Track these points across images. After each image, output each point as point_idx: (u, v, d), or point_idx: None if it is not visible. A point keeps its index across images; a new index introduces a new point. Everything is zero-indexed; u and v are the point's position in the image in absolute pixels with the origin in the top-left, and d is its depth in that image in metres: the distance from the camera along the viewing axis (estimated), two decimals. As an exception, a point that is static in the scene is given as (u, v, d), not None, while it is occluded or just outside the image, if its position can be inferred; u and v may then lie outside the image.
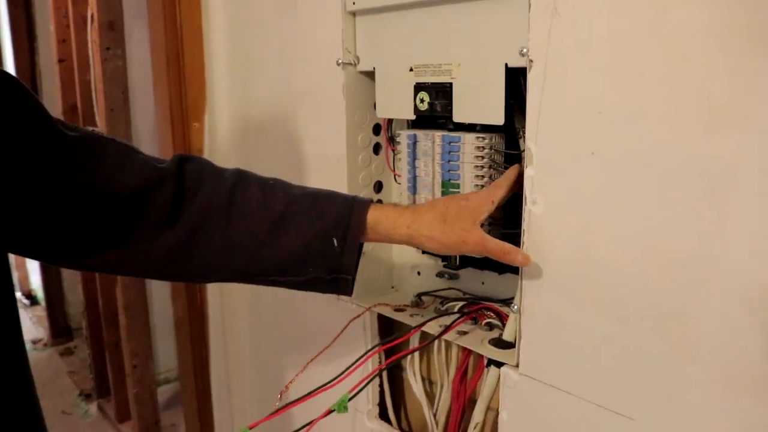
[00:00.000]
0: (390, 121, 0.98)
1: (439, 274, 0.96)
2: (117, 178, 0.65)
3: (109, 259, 0.69)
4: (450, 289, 0.95)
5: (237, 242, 0.69)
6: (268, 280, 0.73)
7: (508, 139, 0.83)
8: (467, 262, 0.90)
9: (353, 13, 0.93)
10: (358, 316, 0.97)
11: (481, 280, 0.91)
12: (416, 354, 0.97)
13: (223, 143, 1.29)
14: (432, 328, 0.88)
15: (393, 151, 0.98)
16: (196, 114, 1.26)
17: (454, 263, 0.91)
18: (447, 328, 0.84)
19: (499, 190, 0.75)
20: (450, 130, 0.86)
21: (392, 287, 1.05)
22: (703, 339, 0.60)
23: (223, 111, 1.27)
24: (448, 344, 0.91)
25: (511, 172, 0.77)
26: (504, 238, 0.75)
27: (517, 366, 0.77)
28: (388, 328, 1.01)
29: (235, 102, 1.24)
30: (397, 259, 1.04)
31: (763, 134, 0.54)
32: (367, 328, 0.98)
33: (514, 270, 0.85)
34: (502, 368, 0.79)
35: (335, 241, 0.69)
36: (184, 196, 0.69)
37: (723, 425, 0.59)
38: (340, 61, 0.94)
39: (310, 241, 0.69)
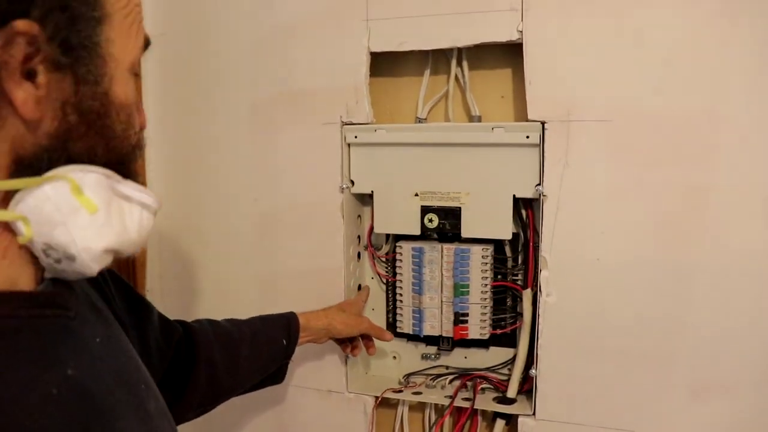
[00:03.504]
0: (370, 232, 1.15)
1: (425, 356, 1.16)
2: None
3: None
4: (435, 366, 1.16)
5: (235, 365, 0.90)
6: (251, 384, 0.96)
7: (497, 249, 1.09)
8: (457, 342, 1.12)
9: (349, 144, 1.08)
10: (377, 403, 1.10)
11: (464, 355, 1.15)
12: (406, 425, 1.15)
13: (170, 259, 1.24)
14: (432, 398, 1.09)
15: (377, 258, 1.15)
16: None
17: (448, 345, 1.13)
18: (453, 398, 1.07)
19: (363, 294, 1.15)
20: (446, 242, 1.09)
21: (366, 373, 1.20)
22: (678, 367, 0.97)
23: (170, 224, 1.23)
24: (438, 410, 1.13)
25: (364, 292, 1.16)
26: (494, 321, 1.08)
27: (533, 414, 1.04)
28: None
29: (186, 216, 1.22)
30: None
31: (710, 249, 0.93)
32: (370, 416, 1.12)
33: (502, 344, 1.12)
34: (520, 418, 1.05)
35: (284, 341, 0.96)
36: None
37: (695, 421, 0.97)
38: (342, 186, 1.07)
39: (272, 348, 0.95)
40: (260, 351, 0.93)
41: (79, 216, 0.45)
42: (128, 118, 0.51)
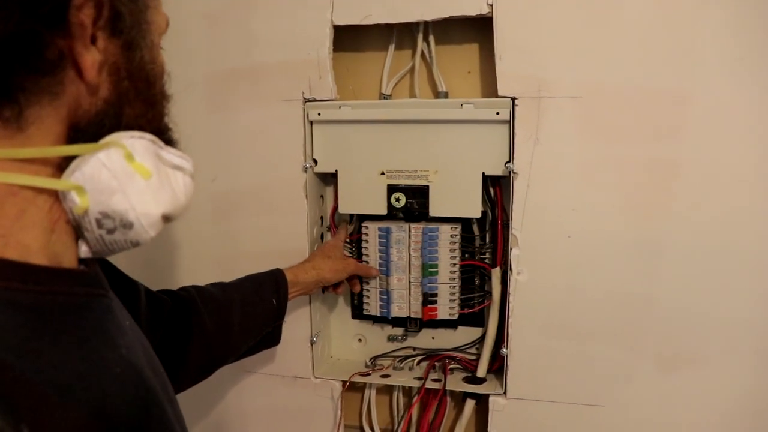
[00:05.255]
0: (333, 213, 1.11)
1: (391, 338, 1.14)
2: None
3: None
4: (402, 348, 1.14)
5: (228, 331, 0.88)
6: (245, 347, 0.93)
7: (464, 227, 1.08)
8: (424, 323, 1.10)
9: (311, 122, 1.04)
10: (345, 388, 1.08)
11: (431, 335, 1.13)
12: (374, 408, 1.13)
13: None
14: (401, 381, 1.08)
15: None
16: None
17: (415, 326, 1.11)
18: (424, 377, 1.05)
19: (341, 233, 1.10)
20: (413, 221, 1.06)
21: (331, 357, 1.17)
22: (646, 341, 0.98)
23: None
24: (406, 392, 1.11)
25: (343, 231, 1.11)
26: (463, 301, 1.07)
27: (504, 393, 1.03)
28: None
29: None
30: (336, 329, 1.17)
31: (679, 224, 0.94)
32: (338, 401, 1.09)
33: (470, 323, 1.11)
34: (491, 398, 1.04)
35: (275, 301, 0.94)
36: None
37: (663, 393, 0.99)
38: (305, 165, 1.03)
39: (263, 309, 0.93)
40: (251, 314, 0.91)
41: (135, 182, 0.45)
42: (165, 87, 0.53)
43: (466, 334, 1.12)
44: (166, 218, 0.49)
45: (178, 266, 1.13)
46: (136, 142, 0.47)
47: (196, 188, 1.07)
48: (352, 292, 1.12)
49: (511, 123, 0.97)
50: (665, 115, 0.92)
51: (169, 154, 0.50)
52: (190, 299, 0.82)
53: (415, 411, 1.11)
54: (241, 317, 0.88)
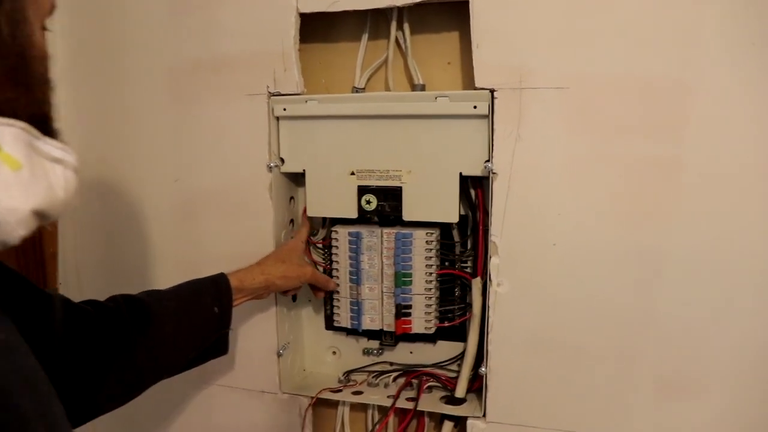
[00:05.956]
0: (304, 216, 1.03)
1: (366, 351, 1.05)
2: None
3: None
4: (378, 363, 1.05)
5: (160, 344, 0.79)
6: (184, 361, 0.84)
7: (444, 233, 0.98)
8: (400, 337, 1.02)
9: (277, 118, 0.96)
10: (309, 405, 1.00)
11: (410, 350, 1.04)
12: (347, 426, 1.05)
13: (86, 248, 1.11)
14: (374, 399, 0.99)
15: (313, 244, 1.03)
16: None
17: (390, 340, 1.02)
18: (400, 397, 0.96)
19: (303, 233, 1.01)
20: (388, 226, 0.97)
21: (304, 370, 1.09)
22: (642, 364, 0.87)
23: (85, 209, 1.10)
24: (383, 410, 1.02)
25: (303, 218, 1.03)
26: (442, 313, 0.98)
27: (483, 416, 0.94)
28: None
29: (102, 200, 1.09)
30: (309, 341, 1.09)
31: (680, 231, 0.83)
32: (307, 419, 1.01)
33: (451, 338, 1.02)
34: (469, 420, 0.94)
35: (216, 309, 0.85)
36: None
37: (661, 424, 0.88)
38: (270, 165, 0.96)
39: (202, 319, 0.84)
40: (188, 324, 0.83)
41: (0, 173, 0.40)
42: (46, 71, 0.48)
43: (446, 350, 1.03)
44: (40, 215, 0.43)
45: (140, 270, 1.06)
46: (5, 130, 0.41)
47: (159, 190, 1.02)
48: (324, 299, 1.04)
49: (490, 118, 0.87)
50: (663, 107, 0.81)
51: (47, 145, 0.44)
52: (116, 309, 0.75)
53: (391, 429, 1.03)
54: (176, 328, 0.80)
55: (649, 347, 0.86)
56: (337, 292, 1.00)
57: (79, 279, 1.11)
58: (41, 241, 1.05)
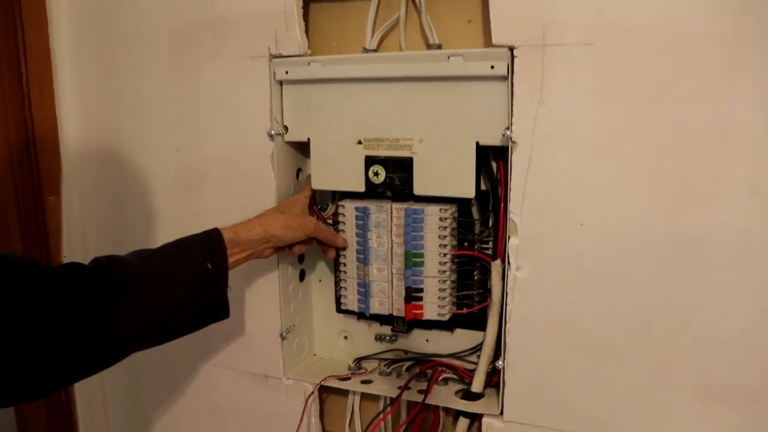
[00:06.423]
0: (314, 190, 0.96)
1: (379, 337, 0.97)
2: None
3: None
4: (391, 350, 0.97)
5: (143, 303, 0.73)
6: (175, 325, 0.76)
7: (461, 207, 0.89)
8: (414, 323, 0.93)
9: (281, 82, 0.89)
10: (312, 393, 0.93)
11: (425, 338, 0.96)
12: (357, 416, 0.98)
13: (91, 220, 1.08)
14: (383, 389, 0.91)
15: (322, 220, 0.95)
16: (52, 186, 1.03)
17: (402, 326, 0.93)
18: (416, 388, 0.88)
19: (306, 189, 0.93)
20: (401, 201, 0.89)
21: (314, 355, 1.03)
22: (681, 366, 0.75)
23: (89, 181, 1.07)
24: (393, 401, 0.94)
25: (306, 180, 0.95)
26: (459, 299, 0.89)
27: (500, 414, 0.84)
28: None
29: (105, 171, 1.05)
30: (319, 324, 1.02)
31: (729, 213, 0.70)
32: (313, 405, 0.95)
33: (470, 326, 0.93)
34: (484, 418, 0.85)
35: (209, 265, 0.77)
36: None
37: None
38: (272, 132, 0.88)
39: (194, 277, 0.77)
40: (176, 283, 0.75)
41: None
42: None
43: (465, 339, 0.94)
44: None
45: (145, 242, 1.02)
46: None
47: (161, 160, 0.96)
48: (335, 282, 0.96)
49: (509, 79, 0.77)
50: (712, 62, 0.68)
51: None
52: (94, 270, 0.70)
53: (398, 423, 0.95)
54: (162, 285, 0.74)
55: (691, 346, 0.74)
56: (357, 267, 0.91)
57: (85, 250, 1.08)
58: (44, 212, 1.02)
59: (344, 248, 0.91)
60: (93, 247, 1.08)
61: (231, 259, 0.80)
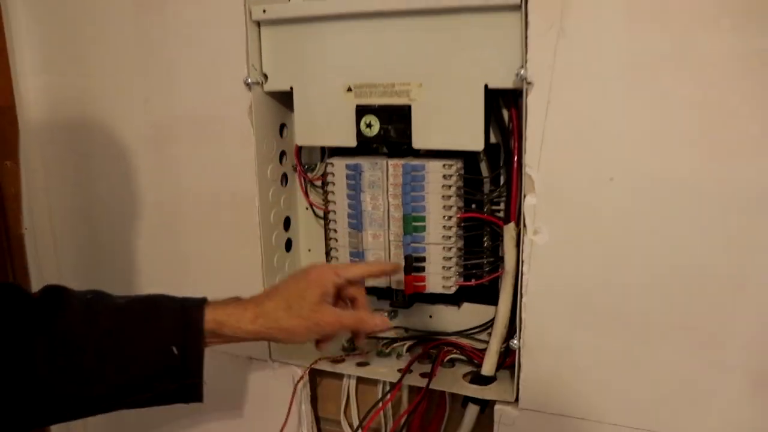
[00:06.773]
0: (299, 147, 0.84)
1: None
2: None
3: None
4: (392, 328, 0.86)
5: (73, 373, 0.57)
6: (115, 404, 0.60)
7: (468, 164, 0.77)
8: (416, 297, 0.82)
9: (258, 23, 0.77)
10: (302, 377, 0.82)
11: (429, 313, 0.85)
12: (353, 400, 0.87)
13: (56, 189, 0.98)
14: (381, 373, 0.80)
15: (310, 182, 0.84)
16: (7, 149, 0.92)
17: (402, 301, 0.82)
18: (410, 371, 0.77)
19: (352, 268, 0.68)
20: (398, 156, 0.77)
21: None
22: (729, 346, 0.64)
23: (53, 145, 0.96)
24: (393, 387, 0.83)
25: (378, 265, 0.74)
26: (467, 269, 0.76)
27: (515, 401, 0.73)
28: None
29: (70, 132, 0.94)
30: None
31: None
32: (303, 390, 0.84)
33: (480, 300, 0.81)
34: (497, 406, 0.74)
35: (174, 349, 0.60)
36: None
37: (753, 420, 0.65)
38: (249, 81, 0.77)
39: (147, 360, 0.59)
40: (124, 358, 0.58)
41: None
42: None
43: (474, 314, 0.82)
44: None
45: (116, 213, 0.91)
46: None
47: (130, 115, 0.85)
48: (326, 252, 0.85)
49: (523, 8, 0.64)
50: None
51: None
52: (27, 297, 0.58)
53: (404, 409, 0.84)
54: (106, 362, 0.58)
55: (744, 324, 0.62)
56: (350, 233, 0.79)
57: (51, 224, 0.98)
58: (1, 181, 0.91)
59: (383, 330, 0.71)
60: (59, 220, 0.97)
61: (207, 347, 0.62)
